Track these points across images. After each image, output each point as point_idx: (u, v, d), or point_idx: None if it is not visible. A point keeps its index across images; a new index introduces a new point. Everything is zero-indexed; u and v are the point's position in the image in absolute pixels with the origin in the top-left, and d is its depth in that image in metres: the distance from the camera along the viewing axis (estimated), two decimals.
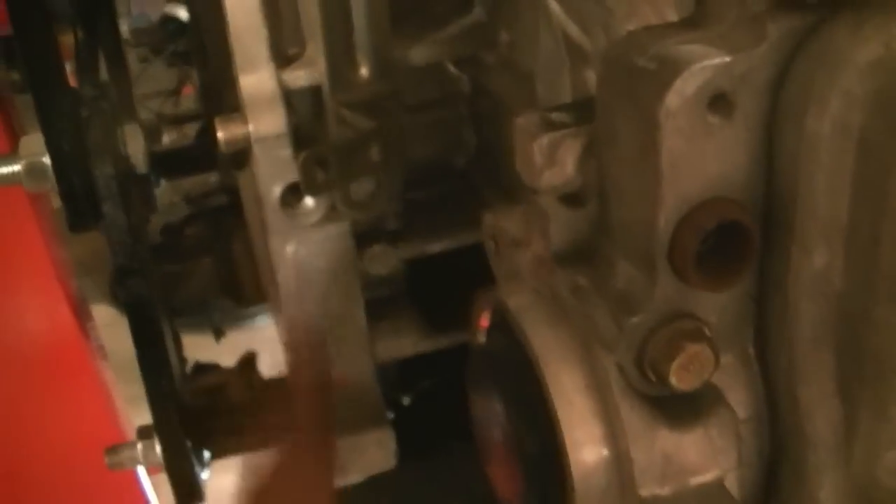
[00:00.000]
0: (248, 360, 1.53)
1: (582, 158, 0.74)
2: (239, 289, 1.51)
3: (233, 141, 1.02)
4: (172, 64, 2.67)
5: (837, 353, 0.70)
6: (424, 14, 1.09)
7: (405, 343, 1.24)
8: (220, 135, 1.02)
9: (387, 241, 1.14)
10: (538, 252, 0.79)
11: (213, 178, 1.74)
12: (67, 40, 1.28)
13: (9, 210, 1.87)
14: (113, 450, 1.28)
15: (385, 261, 1.14)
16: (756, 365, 0.76)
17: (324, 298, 1.13)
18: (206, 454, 1.31)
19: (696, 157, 0.66)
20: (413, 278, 1.28)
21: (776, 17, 0.65)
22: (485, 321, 0.85)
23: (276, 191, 1.05)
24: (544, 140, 0.74)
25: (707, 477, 0.73)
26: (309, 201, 1.06)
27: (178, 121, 2.85)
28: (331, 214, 1.08)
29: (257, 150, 1.02)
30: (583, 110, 0.76)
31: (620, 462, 0.73)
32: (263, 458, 1.03)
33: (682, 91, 0.64)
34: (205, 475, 1.30)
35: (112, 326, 2.02)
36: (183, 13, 2.69)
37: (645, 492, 0.73)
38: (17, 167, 1.16)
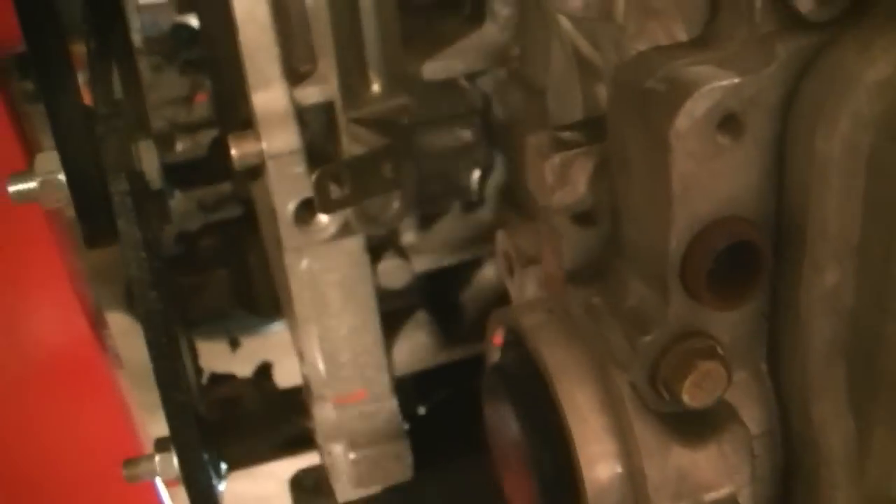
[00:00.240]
0: (264, 371, 1.54)
1: (593, 178, 0.75)
2: (254, 300, 1.52)
3: (246, 158, 1.03)
4: (185, 72, 2.66)
5: (850, 369, 0.71)
6: (436, 30, 1.09)
7: (422, 356, 1.25)
8: (233, 152, 1.02)
9: (401, 254, 1.15)
10: (551, 270, 0.80)
11: (227, 186, 1.75)
12: (80, 49, 1.29)
13: (23, 219, 1.88)
14: (131, 462, 1.29)
15: (399, 275, 1.14)
16: (769, 381, 0.76)
17: (339, 312, 1.14)
18: (223, 466, 1.31)
19: (707, 177, 0.66)
20: (429, 289, 1.28)
21: (784, 38, 0.66)
22: (499, 339, 0.85)
23: (291, 207, 1.05)
24: (556, 160, 0.75)
25: (721, 493, 0.74)
26: (323, 217, 1.07)
27: (191, 128, 2.85)
28: (345, 229, 1.08)
29: (271, 167, 1.03)
30: (594, 129, 0.76)
31: (634, 479, 0.74)
32: None
33: (692, 113, 0.64)
34: (221, 487, 1.31)
35: (128, 335, 2.02)
36: (195, 21, 2.69)
37: None
38: (33, 184, 1.17)
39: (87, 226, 1.17)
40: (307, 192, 1.03)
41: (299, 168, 1.03)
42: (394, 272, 1.14)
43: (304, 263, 1.10)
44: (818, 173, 0.66)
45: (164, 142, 2.83)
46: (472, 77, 1.11)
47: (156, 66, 2.82)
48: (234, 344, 1.83)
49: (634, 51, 0.81)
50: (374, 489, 1.22)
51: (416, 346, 1.24)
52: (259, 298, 1.51)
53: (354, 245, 1.11)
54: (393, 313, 1.22)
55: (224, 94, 1.48)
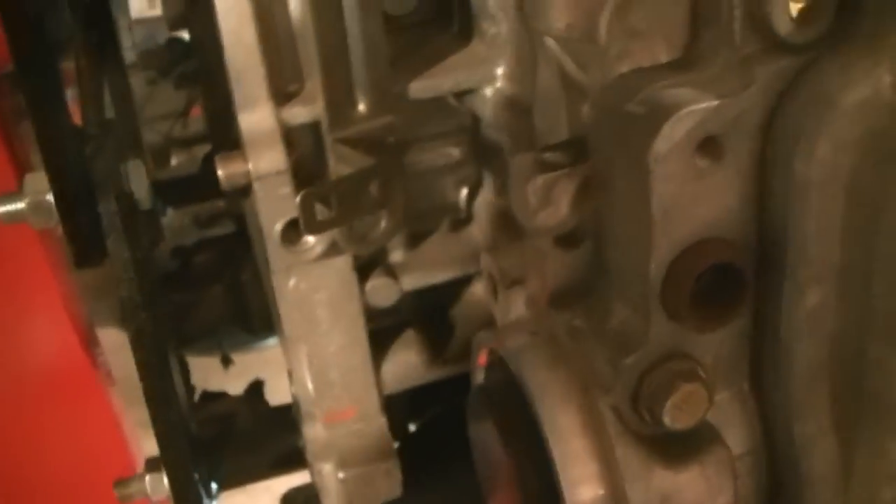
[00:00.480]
0: (256, 389, 1.54)
1: (576, 199, 0.75)
2: (248, 317, 1.51)
3: (233, 178, 1.03)
4: (180, 86, 2.66)
5: (833, 390, 0.71)
6: (423, 48, 1.09)
7: (411, 374, 1.24)
8: (220, 172, 1.02)
9: (389, 273, 1.15)
10: (534, 291, 0.80)
11: (221, 202, 1.75)
12: (70, 66, 1.29)
13: (14, 237, 1.88)
14: (122, 483, 1.29)
15: (387, 293, 1.14)
16: (752, 401, 0.76)
17: (328, 331, 1.13)
18: (214, 485, 1.31)
19: (687, 200, 0.67)
20: (418, 306, 1.28)
21: (764, 60, 0.66)
22: (483, 360, 0.86)
23: (278, 227, 1.05)
24: (538, 181, 0.75)
25: None
26: (310, 237, 1.07)
27: (186, 143, 2.86)
28: (332, 249, 1.08)
29: (257, 188, 1.03)
30: (577, 150, 0.76)
31: (617, 501, 0.74)
32: None
33: (671, 135, 0.65)
34: None
35: (121, 351, 2.02)
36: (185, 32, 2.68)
37: None
38: (21, 205, 1.17)
39: (76, 247, 1.17)
40: (294, 212, 1.03)
41: (286, 189, 1.03)
42: (382, 291, 1.14)
43: (292, 282, 1.10)
44: (798, 195, 0.66)
45: (159, 156, 2.83)
46: (459, 95, 1.11)
47: (151, 80, 2.82)
48: (227, 362, 1.82)
49: (618, 72, 0.81)
50: None
51: (404, 365, 1.24)
52: (253, 316, 1.51)
53: (342, 264, 1.11)
54: (381, 331, 1.22)
55: (216, 110, 1.48)
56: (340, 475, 1.18)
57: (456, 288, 1.24)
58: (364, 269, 1.14)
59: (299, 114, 1.02)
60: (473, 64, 1.08)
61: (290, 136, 1.03)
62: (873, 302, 0.66)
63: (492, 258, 0.97)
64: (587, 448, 0.74)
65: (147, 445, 1.34)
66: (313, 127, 1.04)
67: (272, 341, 1.81)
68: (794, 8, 0.64)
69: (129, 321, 1.18)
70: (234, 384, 1.65)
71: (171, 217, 1.53)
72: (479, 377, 0.87)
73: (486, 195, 1.16)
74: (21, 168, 1.94)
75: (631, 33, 0.80)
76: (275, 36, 1.02)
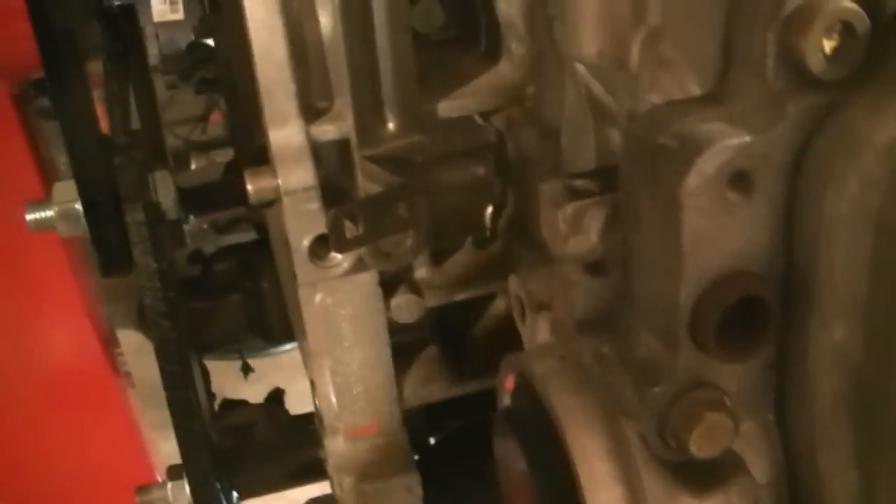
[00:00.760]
0: (275, 397, 1.55)
1: (606, 228, 0.76)
2: (268, 326, 1.53)
3: (262, 193, 1.04)
4: (200, 90, 2.68)
5: (856, 423, 0.71)
6: (450, 67, 1.10)
7: (433, 389, 1.25)
8: (249, 187, 1.03)
9: (414, 289, 1.15)
10: (562, 317, 0.81)
11: (240, 209, 1.76)
12: (97, 67, 1.30)
13: (38, 242, 1.89)
14: (143, 489, 1.30)
15: (412, 310, 1.15)
16: (776, 432, 0.77)
17: (352, 346, 1.14)
18: (234, 495, 1.33)
19: (717, 234, 0.67)
20: (440, 322, 1.29)
21: (795, 96, 0.66)
22: (510, 383, 0.86)
23: (305, 242, 1.06)
24: (568, 209, 0.76)
25: None
26: (337, 253, 1.08)
27: (206, 147, 2.88)
28: (358, 265, 1.09)
29: (286, 203, 1.04)
30: (607, 178, 0.77)
31: None
32: None
33: (704, 170, 0.65)
34: None
35: (140, 352, 2.04)
36: (211, 40, 2.70)
37: None
38: (50, 213, 1.18)
39: (103, 256, 1.19)
40: (321, 228, 1.04)
41: (314, 204, 1.04)
42: (406, 307, 1.14)
43: (318, 298, 1.11)
44: (827, 231, 0.66)
45: (179, 160, 2.84)
46: (486, 114, 1.12)
47: (171, 85, 2.84)
48: (246, 370, 1.83)
49: (648, 100, 0.82)
50: None
51: (426, 380, 1.25)
52: (272, 324, 1.52)
53: (367, 280, 1.12)
54: (404, 346, 1.23)
55: (238, 119, 1.49)
56: (361, 488, 1.19)
57: (478, 304, 1.25)
58: (388, 285, 1.15)
59: (328, 131, 1.03)
60: (501, 84, 1.08)
61: (316, 153, 1.05)
62: None
63: (519, 281, 0.97)
64: (613, 473, 0.75)
65: (165, 447, 1.35)
66: (340, 144, 1.05)
67: (288, 346, 1.82)
68: (828, 46, 0.64)
69: (153, 330, 1.19)
70: (252, 389, 1.66)
71: (190, 223, 1.54)
72: (505, 400, 0.88)
73: (511, 214, 1.16)
74: (46, 170, 1.96)
75: (661, 62, 0.81)
76: (305, 52, 1.03)
